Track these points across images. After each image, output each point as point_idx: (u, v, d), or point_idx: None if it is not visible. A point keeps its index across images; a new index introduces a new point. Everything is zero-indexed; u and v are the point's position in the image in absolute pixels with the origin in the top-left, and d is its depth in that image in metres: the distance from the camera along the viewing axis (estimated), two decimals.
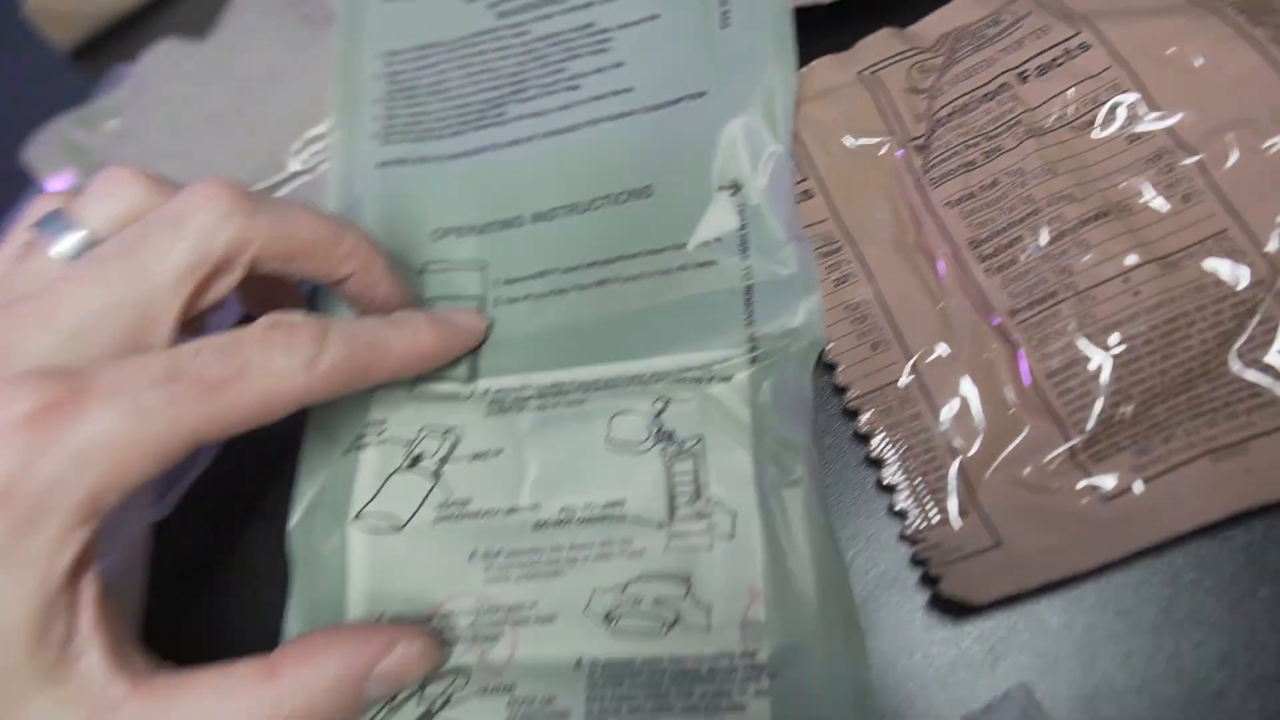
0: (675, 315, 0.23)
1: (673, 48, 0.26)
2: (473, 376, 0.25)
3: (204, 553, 0.26)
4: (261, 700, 0.18)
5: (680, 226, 0.24)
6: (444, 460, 0.24)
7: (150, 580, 0.23)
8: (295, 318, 0.19)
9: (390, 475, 0.24)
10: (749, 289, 0.23)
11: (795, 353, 0.22)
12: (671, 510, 0.21)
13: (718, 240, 0.24)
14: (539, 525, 0.22)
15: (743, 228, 0.24)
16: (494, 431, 0.24)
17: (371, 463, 0.24)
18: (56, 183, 0.31)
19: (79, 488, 0.17)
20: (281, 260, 0.21)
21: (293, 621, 0.23)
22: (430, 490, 0.23)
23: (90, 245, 0.20)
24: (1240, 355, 0.20)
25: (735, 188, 0.24)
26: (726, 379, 0.22)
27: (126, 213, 0.20)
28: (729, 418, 0.22)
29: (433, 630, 0.21)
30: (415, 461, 0.24)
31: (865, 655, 0.19)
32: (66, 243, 0.20)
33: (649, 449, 0.22)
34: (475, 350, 0.25)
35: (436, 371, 0.24)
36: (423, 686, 0.21)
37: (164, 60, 0.32)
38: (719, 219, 0.24)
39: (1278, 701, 0.18)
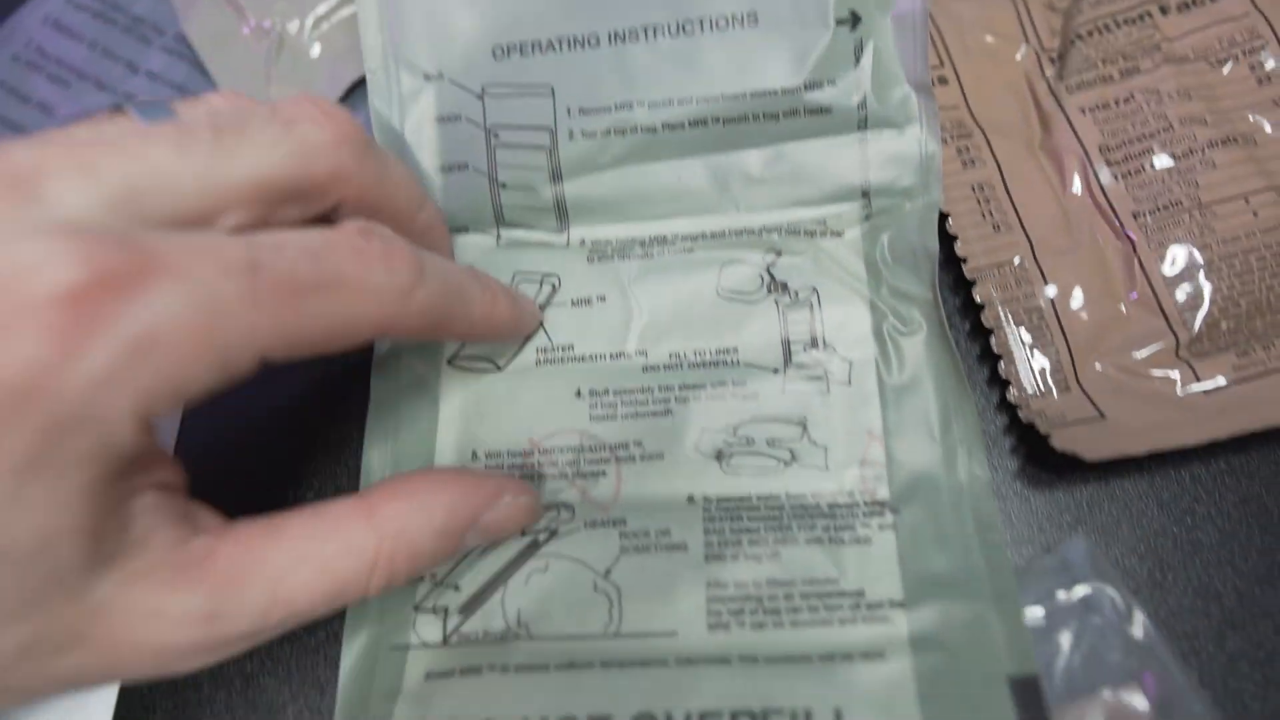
0: (783, 162, 0.23)
1: None
2: (563, 226, 0.24)
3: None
4: (363, 541, 0.16)
5: (790, 64, 0.22)
6: (544, 305, 0.23)
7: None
8: (389, 232, 0.17)
9: None
10: (863, 137, 0.22)
11: (913, 210, 0.22)
12: (787, 357, 0.21)
13: (831, 80, 0.22)
14: (648, 369, 0.22)
15: (857, 65, 0.22)
16: (596, 277, 0.23)
17: None
18: None
19: (131, 387, 0.13)
20: (365, 212, 0.18)
21: (375, 460, 0.22)
22: (531, 334, 0.22)
23: None
24: None
25: (854, 20, 0.22)
26: (839, 234, 0.22)
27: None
28: (844, 270, 0.22)
29: (533, 487, 0.20)
30: None
31: (990, 487, 0.19)
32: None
33: (762, 298, 0.22)
34: (560, 188, 0.23)
35: (524, 217, 0.23)
36: None
37: None
38: (834, 55, 0.22)
39: None
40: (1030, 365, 0.21)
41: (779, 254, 0.22)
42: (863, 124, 0.22)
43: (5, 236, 0.13)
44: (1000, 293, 0.22)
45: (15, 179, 0.14)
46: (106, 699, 0.20)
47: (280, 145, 0.16)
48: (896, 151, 0.22)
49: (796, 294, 0.22)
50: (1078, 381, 0.21)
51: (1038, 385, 0.21)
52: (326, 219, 0.18)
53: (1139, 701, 0.18)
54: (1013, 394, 0.21)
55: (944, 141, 0.24)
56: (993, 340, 0.22)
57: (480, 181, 0.23)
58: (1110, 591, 0.19)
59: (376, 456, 0.22)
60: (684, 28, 0.22)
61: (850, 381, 0.21)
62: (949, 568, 0.19)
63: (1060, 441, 0.20)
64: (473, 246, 0.24)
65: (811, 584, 0.19)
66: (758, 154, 0.23)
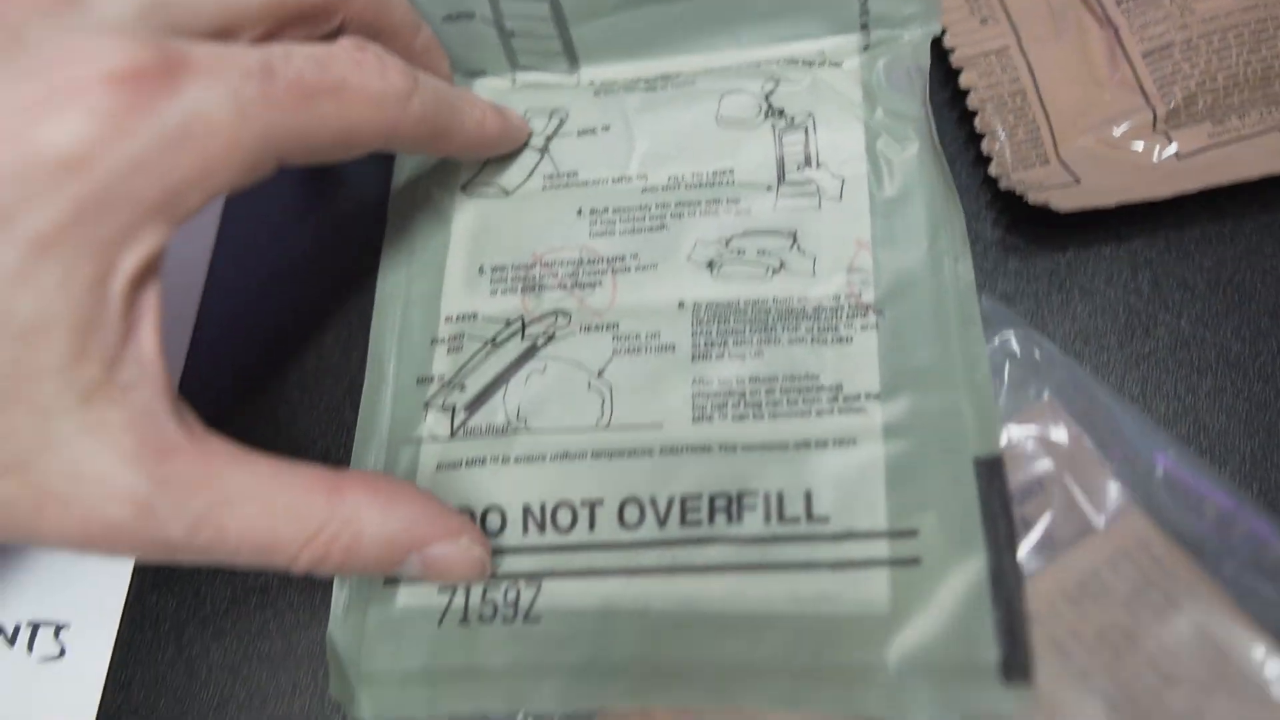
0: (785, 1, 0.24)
1: None
2: (574, 65, 0.25)
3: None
4: (317, 513, 0.16)
5: None
6: (550, 137, 0.24)
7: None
8: (382, 49, 0.18)
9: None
10: None
11: (910, 39, 0.23)
12: (781, 175, 0.22)
13: None
14: (647, 190, 0.23)
15: None
16: (601, 109, 0.24)
17: None
18: None
19: (165, 175, 0.14)
20: (365, 33, 0.19)
21: (389, 283, 0.23)
22: (538, 163, 0.24)
23: None
24: None
25: None
26: (837, 64, 0.24)
27: None
28: (840, 96, 0.23)
29: (491, 549, 0.19)
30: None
31: (973, 286, 0.20)
32: None
33: (760, 123, 0.23)
34: (566, 34, 0.24)
35: (535, 61, 0.25)
36: (524, 325, 0.22)
37: None
38: None
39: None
40: (1012, 142, 0.22)
41: (778, 82, 0.24)
42: None
43: (59, 30, 0.14)
44: (985, 79, 0.23)
45: None
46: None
47: (327, 107, 0.17)
48: None
49: (793, 118, 0.23)
50: (1057, 155, 0.22)
51: (1018, 158, 0.22)
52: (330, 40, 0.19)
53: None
54: (994, 168, 0.22)
55: None
56: (977, 121, 0.23)
57: (489, 30, 0.24)
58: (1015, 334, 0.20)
59: (391, 278, 0.24)
60: None
61: (841, 196, 0.22)
62: (926, 362, 0.20)
63: (1034, 197, 0.21)
64: (489, 89, 0.25)
65: (792, 380, 0.20)
66: None
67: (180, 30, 0.15)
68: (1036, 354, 0.19)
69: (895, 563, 0.18)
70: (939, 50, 0.24)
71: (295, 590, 0.21)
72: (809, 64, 0.24)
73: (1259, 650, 0.16)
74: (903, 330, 0.20)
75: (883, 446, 0.19)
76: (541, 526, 0.20)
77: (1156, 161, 0.22)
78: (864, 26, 0.24)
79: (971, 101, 0.23)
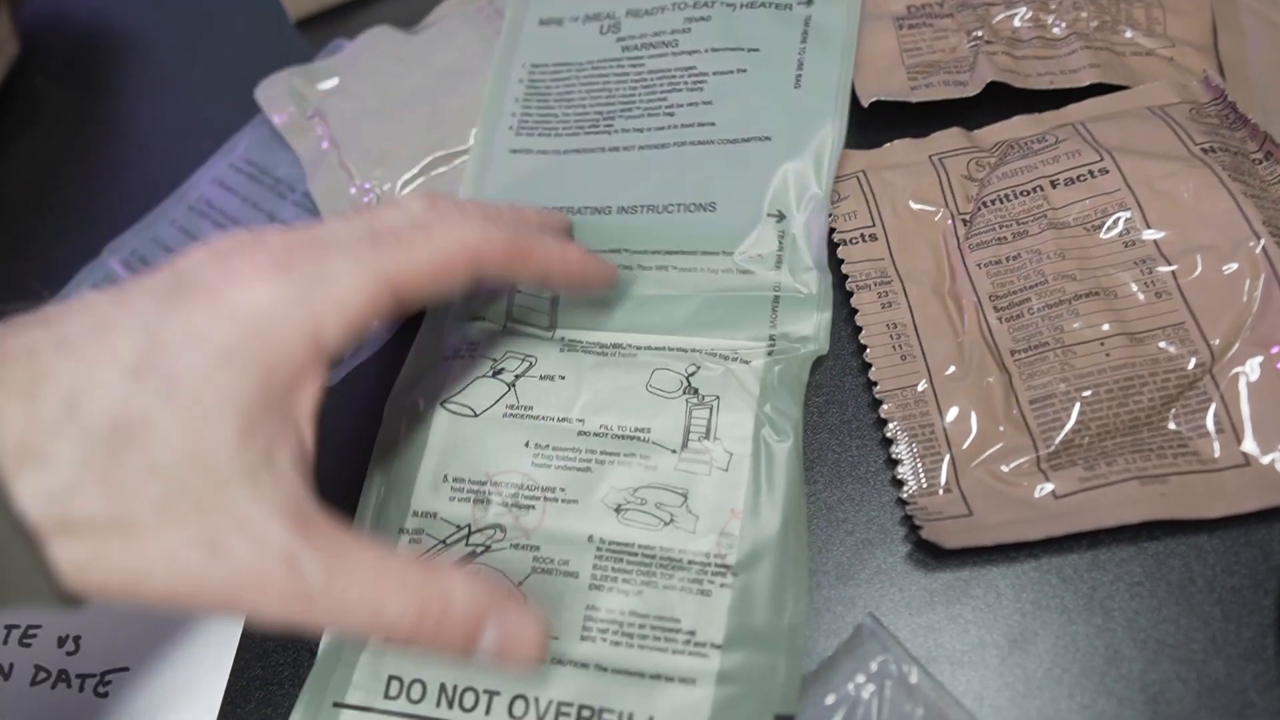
0: (717, 307, 0.30)
1: (753, 98, 0.33)
2: (553, 326, 0.32)
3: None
4: (417, 584, 0.19)
5: (732, 238, 0.31)
6: (519, 376, 0.31)
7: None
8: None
9: (476, 378, 0.31)
10: (776, 299, 0.30)
11: (803, 354, 0.29)
12: (685, 442, 0.28)
13: (759, 255, 0.30)
14: (581, 433, 0.29)
15: (780, 249, 0.30)
16: (563, 363, 0.31)
17: (464, 368, 0.31)
18: (278, 117, 0.39)
19: (314, 308, 0.20)
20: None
21: (375, 479, 0.30)
22: (504, 394, 0.30)
23: None
24: (1176, 415, 0.26)
25: (780, 217, 0.31)
26: (747, 361, 0.30)
27: None
28: (743, 388, 0.29)
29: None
30: (498, 373, 0.31)
31: (807, 564, 0.26)
32: None
33: (677, 397, 0.29)
34: (554, 313, 0.31)
35: (526, 317, 0.32)
36: (469, 534, 0.28)
37: (378, 41, 0.40)
38: (763, 239, 0.31)
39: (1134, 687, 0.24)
40: (921, 471, 0.27)
41: (699, 367, 0.30)
42: (777, 287, 0.30)
43: (245, 240, 0.21)
44: (901, 411, 0.28)
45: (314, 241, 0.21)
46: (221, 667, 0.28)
47: (422, 248, 0.22)
48: (798, 311, 0.30)
49: (704, 398, 0.29)
50: (958, 485, 0.27)
51: (924, 486, 0.27)
52: None
53: None
54: (904, 492, 0.27)
55: (868, 287, 0.30)
56: (892, 450, 0.28)
57: (501, 299, 0.32)
58: (895, 660, 0.24)
59: (379, 474, 0.30)
60: (667, 208, 0.32)
61: (728, 469, 0.28)
62: (762, 623, 0.25)
63: (928, 533, 0.25)
64: (482, 329, 0.32)
65: (660, 620, 0.26)
66: (700, 294, 0.31)
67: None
68: (912, 678, 0.24)
69: None
70: (865, 373, 0.29)
71: None
72: (725, 358, 0.30)
73: None
74: (750, 592, 0.26)
75: (714, 690, 0.25)
76: (451, 704, 0.25)
77: (1037, 497, 0.26)
78: (771, 338, 0.30)
79: (889, 431, 0.28)
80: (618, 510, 0.27)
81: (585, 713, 0.25)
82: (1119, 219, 0.29)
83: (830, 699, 0.24)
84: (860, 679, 0.24)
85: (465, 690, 0.26)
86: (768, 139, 0.32)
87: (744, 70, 0.34)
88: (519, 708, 0.25)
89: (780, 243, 0.31)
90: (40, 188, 0.42)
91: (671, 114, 0.34)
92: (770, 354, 0.29)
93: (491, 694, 0.25)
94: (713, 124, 0.33)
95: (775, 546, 0.26)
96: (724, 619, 0.25)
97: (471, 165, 0.36)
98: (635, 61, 0.36)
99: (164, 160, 0.42)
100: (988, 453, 0.27)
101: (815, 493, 0.28)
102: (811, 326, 0.29)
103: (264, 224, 0.39)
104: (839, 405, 0.30)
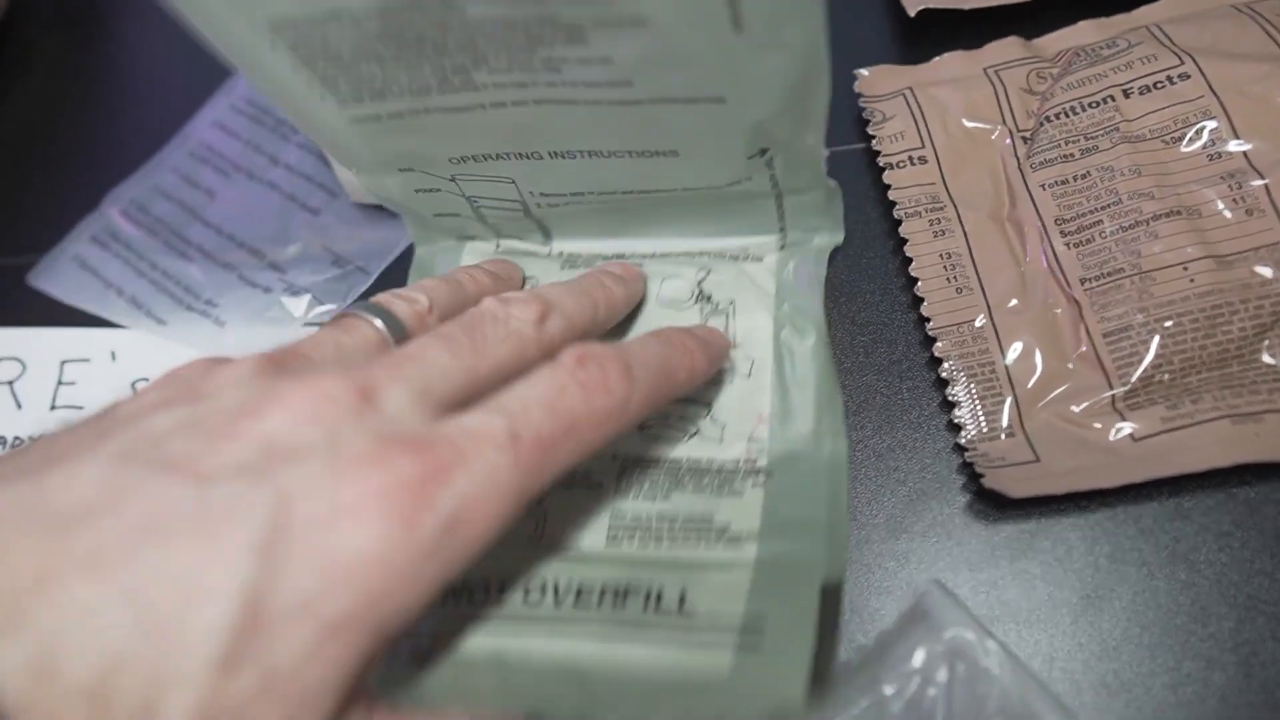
0: (719, 210, 0.27)
1: (670, 51, 0.21)
2: (547, 238, 0.29)
3: None
4: None
5: (713, 175, 0.25)
6: None
7: None
8: (598, 349, 0.19)
9: None
10: (779, 195, 0.26)
11: (817, 245, 0.27)
12: None
13: (749, 179, 0.25)
14: None
15: (772, 170, 0.25)
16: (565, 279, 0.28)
17: None
18: None
19: (440, 562, 0.16)
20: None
21: None
22: None
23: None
24: (1271, 347, 0.23)
25: (763, 152, 0.24)
26: (759, 259, 0.28)
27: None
28: (758, 288, 0.27)
29: None
30: None
31: (844, 462, 0.24)
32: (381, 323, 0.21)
33: (690, 306, 0.27)
34: (541, 221, 0.28)
35: (519, 232, 0.29)
36: None
37: None
38: (752, 175, 0.25)
39: (1223, 648, 0.22)
40: (980, 414, 0.25)
41: (709, 271, 0.28)
42: (779, 196, 0.26)
43: (362, 432, 0.16)
44: (957, 349, 0.25)
45: (364, 391, 0.17)
46: None
47: (506, 341, 0.20)
48: (807, 202, 0.27)
49: (718, 304, 0.27)
50: (1022, 428, 0.24)
51: (984, 430, 0.24)
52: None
53: None
54: (963, 437, 0.24)
55: (917, 215, 0.27)
56: (948, 391, 0.25)
57: (474, 221, 0.29)
58: (968, 634, 0.21)
59: None
60: (614, 154, 0.25)
61: (750, 375, 0.26)
62: (799, 516, 0.23)
63: (991, 481, 0.23)
64: (476, 251, 0.30)
65: (690, 519, 0.24)
66: (700, 205, 0.27)
67: (442, 404, 0.18)
68: (988, 659, 0.21)
69: (741, 648, 0.21)
70: (917, 307, 0.26)
71: None
72: (735, 258, 0.28)
73: None
74: (784, 490, 0.24)
75: (751, 572, 0.23)
76: (458, 597, 0.24)
77: (1113, 440, 0.23)
78: (781, 230, 0.27)
79: (944, 370, 0.25)
80: (640, 426, 0.26)
81: (609, 595, 0.23)
82: (1202, 129, 0.26)
83: (889, 689, 0.21)
84: (921, 659, 0.21)
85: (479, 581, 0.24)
86: (720, 100, 0.22)
87: (641, 22, 0.20)
88: (534, 596, 0.23)
89: (772, 175, 0.25)
90: (36, 139, 0.40)
91: (556, 69, 0.22)
92: (783, 248, 0.28)
93: (503, 580, 0.24)
94: (627, 83, 0.22)
95: (808, 447, 0.24)
96: (758, 514, 0.24)
97: (326, 149, 0.28)
98: (446, 5, 0.20)
99: (162, 105, 0.40)
100: (1056, 392, 0.24)
101: (863, 439, 0.26)
102: (822, 214, 0.27)
103: (266, 169, 0.37)
104: (887, 344, 0.27)
